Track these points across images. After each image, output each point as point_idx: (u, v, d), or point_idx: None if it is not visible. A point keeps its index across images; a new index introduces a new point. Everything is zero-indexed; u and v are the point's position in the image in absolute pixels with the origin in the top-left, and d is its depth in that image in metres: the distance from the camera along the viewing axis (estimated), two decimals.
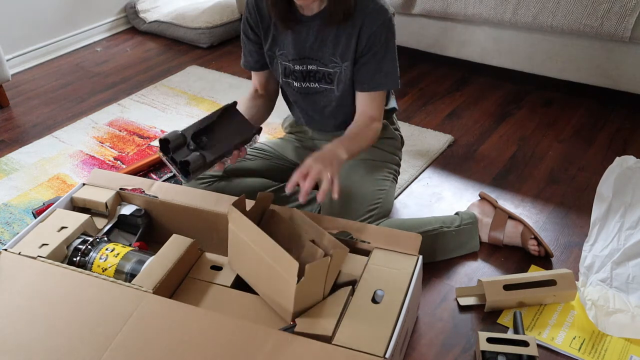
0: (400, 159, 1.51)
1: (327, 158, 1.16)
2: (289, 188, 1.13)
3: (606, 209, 1.50)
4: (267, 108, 1.45)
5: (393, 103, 1.46)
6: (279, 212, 1.17)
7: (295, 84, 1.37)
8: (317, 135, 1.49)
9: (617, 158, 1.66)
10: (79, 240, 1.24)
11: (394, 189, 1.44)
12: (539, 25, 1.90)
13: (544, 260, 1.38)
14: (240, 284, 1.17)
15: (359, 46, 1.26)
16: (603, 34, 1.80)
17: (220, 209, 1.29)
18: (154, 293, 1.07)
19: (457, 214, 1.44)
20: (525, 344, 1.08)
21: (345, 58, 1.28)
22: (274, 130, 1.95)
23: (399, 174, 1.50)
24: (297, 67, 1.34)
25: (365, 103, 1.31)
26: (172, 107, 2.18)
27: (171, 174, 1.76)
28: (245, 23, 1.36)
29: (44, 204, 1.60)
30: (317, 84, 1.35)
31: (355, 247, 1.19)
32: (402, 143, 1.52)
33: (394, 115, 1.49)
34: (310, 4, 1.22)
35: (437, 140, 1.86)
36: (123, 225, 1.36)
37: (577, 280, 1.31)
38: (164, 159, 1.16)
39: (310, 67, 1.33)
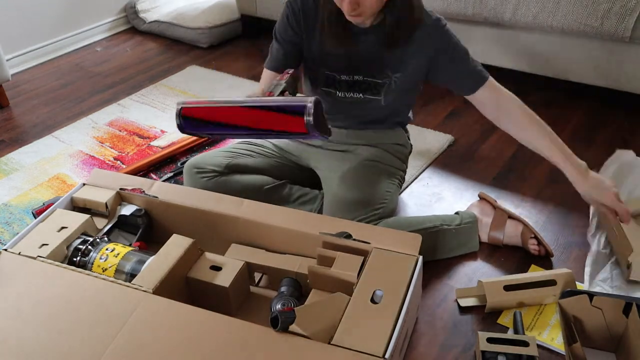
0: (407, 167, 1.52)
1: (605, 188, 1.26)
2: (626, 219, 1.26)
3: None
4: None
5: (409, 113, 1.47)
6: None
7: (339, 93, 1.35)
8: (339, 136, 1.47)
9: (618, 150, 1.66)
10: (79, 241, 1.24)
11: (398, 191, 1.45)
12: (539, 25, 1.90)
13: (544, 260, 1.38)
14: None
15: (421, 61, 1.26)
16: (603, 34, 1.80)
17: (221, 209, 1.29)
18: (153, 293, 1.08)
19: (457, 213, 1.44)
20: (525, 344, 1.08)
21: (397, 69, 1.27)
22: None
23: (404, 180, 1.51)
24: (343, 77, 1.32)
25: (489, 94, 1.31)
26: (172, 107, 2.18)
27: (171, 174, 1.76)
28: (285, 22, 1.30)
29: (43, 204, 1.60)
30: (361, 95, 1.33)
31: (355, 247, 1.19)
32: (410, 151, 1.54)
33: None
34: (362, 22, 1.21)
35: (437, 140, 1.86)
36: (123, 225, 1.36)
37: (580, 276, 1.32)
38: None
39: (356, 77, 1.31)
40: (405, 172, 1.51)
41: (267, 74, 1.36)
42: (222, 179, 1.41)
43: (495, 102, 1.32)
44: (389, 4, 1.18)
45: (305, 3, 1.28)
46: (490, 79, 1.32)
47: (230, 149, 1.48)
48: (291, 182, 1.50)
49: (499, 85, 1.33)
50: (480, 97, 1.32)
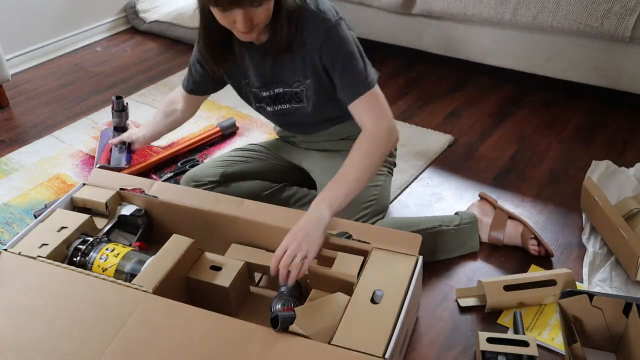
0: (396, 150, 1.49)
1: (303, 233, 1.10)
2: (272, 271, 1.11)
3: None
4: (179, 123, 1.58)
5: None
6: None
7: (268, 108, 1.35)
8: (306, 138, 1.47)
9: (594, 162, 1.67)
10: (79, 240, 1.24)
11: (389, 183, 1.43)
12: (539, 25, 1.90)
13: (544, 260, 1.38)
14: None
15: (315, 62, 1.20)
16: (603, 34, 1.80)
17: (220, 209, 1.29)
18: (153, 293, 1.08)
19: (456, 213, 1.44)
20: (525, 344, 1.08)
21: (306, 76, 1.24)
22: (272, 130, 1.95)
23: (394, 166, 1.48)
24: (264, 94, 1.32)
25: (357, 116, 1.22)
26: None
27: (171, 174, 1.76)
28: (196, 58, 1.35)
29: (45, 206, 1.60)
30: (288, 105, 1.33)
31: (355, 247, 1.19)
32: (397, 137, 1.48)
33: None
34: (256, 39, 1.18)
35: (437, 140, 1.86)
36: (123, 225, 1.36)
37: (580, 276, 1.32)
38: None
39: (277, 90, 1.30)
40: (394, 156, 1.47)
41: (180, 92, 1.50)
42: (219, 189, 1.41)
43: (361, 131, 1.21)
44: (274, 16, 1.13)
45: None
46: (365, 95, 1.19)
47: (224, 157, 1.49)
48: (289, 182, 1.50)
49: (373, 109, 1.20)
50: (351, 112, 1.22)
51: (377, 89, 1.22)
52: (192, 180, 1.42)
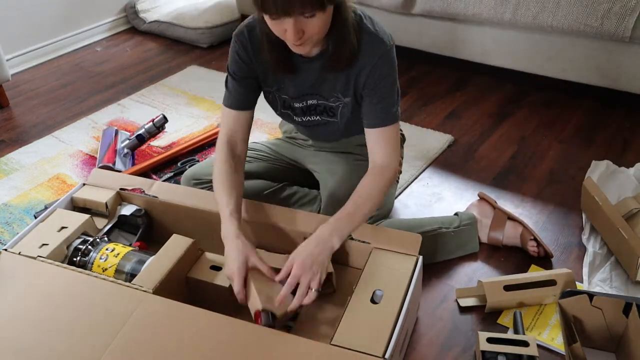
0: (402, 157, 1.50)
1: (311, 258, 1.05)
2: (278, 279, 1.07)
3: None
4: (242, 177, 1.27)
5: None
6: None
7: (296, 118, 1.32)
8: (318, 144, 1.46)
9: (593, 162, 1.67)
10: (79, 240, 1.24)
11: (394, 189, 1.43)
12: (539, 25, 1.90)
13: (544, 260, 1.38)
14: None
15: (358, 82, 1.19)
16: (603, 34, 1.80)
17: None
18: (154, 293, 1.08)
19: (456, 214, 1.44)
20: (525, 344, 1.08)
21: (346, 94, 1.22)
22: (272, 130, 1.95)
23: (400, 173, 1.49)
24: (296, 105, 1.28)
25: (374, 143, 1.21)
26: (172, 107, 2.18)
27: (171, 174, 1.76)
28: (237, 58, 1.21)
29: (45, 207, 1.60)
30: (318, 117, 1.30)
31: (355, 247, 1.19)
32: (404, 140, 1.51)
33: None
34: (308, 52, 1.14)
35: (437, 140, 1.86)
36: (123, 225, 1.36)
37: (580, 276, 1.32)
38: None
39: (310, 101, 1.27)
40: (400, 163, 1.46)
41: (228, 112, 1.25)
42: None
43: (371, 162, 1.22)
44: (332, 31, 1.10)
45: (252, 32, 1.19)
46: (388, 127, 1.20)
47: None
48: (290, 183, 1.50)
49: (391, 146, 1.21)
50: (367, 137, 1.22)
51: (398, 124, 1.23)
52: (192, 179, 1.42)
